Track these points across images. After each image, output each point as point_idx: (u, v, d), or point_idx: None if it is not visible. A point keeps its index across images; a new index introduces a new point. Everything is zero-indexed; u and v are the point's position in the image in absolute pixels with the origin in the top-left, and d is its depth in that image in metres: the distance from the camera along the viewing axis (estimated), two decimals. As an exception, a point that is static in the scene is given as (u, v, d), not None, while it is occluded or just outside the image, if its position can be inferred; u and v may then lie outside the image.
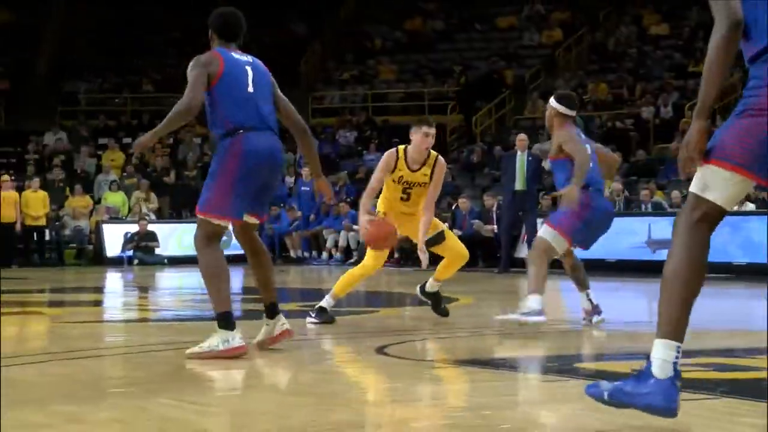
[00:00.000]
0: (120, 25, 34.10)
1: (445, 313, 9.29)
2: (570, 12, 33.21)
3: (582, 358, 7.03)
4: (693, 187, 4.11)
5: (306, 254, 24.14)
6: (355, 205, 24.57)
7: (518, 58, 32.13)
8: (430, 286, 9.39)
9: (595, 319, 8.51)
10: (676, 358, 4.03)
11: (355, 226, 23.13)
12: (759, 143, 3.97)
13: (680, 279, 4.04)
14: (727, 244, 16.60)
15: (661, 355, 4.04)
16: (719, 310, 11.41)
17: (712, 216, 4.08)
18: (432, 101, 30.91)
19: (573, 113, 8.63)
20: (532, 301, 8.00)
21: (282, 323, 6.85)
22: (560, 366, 6.64)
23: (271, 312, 6.85)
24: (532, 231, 17.23)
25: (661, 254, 16.96)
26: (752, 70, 4.09)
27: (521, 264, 14.99)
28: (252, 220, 6.75)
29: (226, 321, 6.43)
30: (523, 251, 17.93)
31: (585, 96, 28.10)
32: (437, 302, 9.36)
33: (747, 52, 4.09)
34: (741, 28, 4.03)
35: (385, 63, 33.63)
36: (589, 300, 8.58)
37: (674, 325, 4.04)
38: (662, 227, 17.96)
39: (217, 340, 6.40)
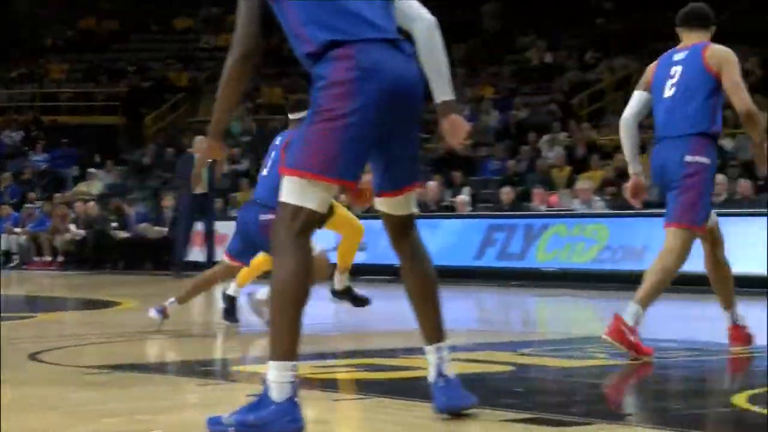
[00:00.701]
0: None
1: (366, 301, 8.89)
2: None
3: (243, 361, 7.02)
4: (287, 198, 4.06)
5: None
6: (18, 207, 23.66)
7: (194, 60, 31.92)
8: (340, 282, 8.84)
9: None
10: (293, 377, 3.95)
11: (16, 229, 22.26)
12: (331, 146, 3.98)
13: (290, 299, 3.95)
14: (389, 248, 17.06)
15: (277, 377, 3.94)
16: (384, 311, 11.70)
17: (312, 223, 4.06)
18: (104, 102, 30.26)
19: (294, 116, 8.33)
20: (169, 301, 8.37)
21: None
22: (218, 370, 6.60)
23: None
24: (210, 234, 17.18)
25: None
26: (317, 69, 4.07)
27: (199, 267, 14.94)
28: None
29: None
30: (200, 255, 17.78)
31: (259, 99, 28.24)
32: (354, 296, 8.85)
33: (304, 49, 4.10)
34: (252, 58, 4.17)
35: (56, 62, 32.67)
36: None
37: (288, 346, 3.94)
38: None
39: None
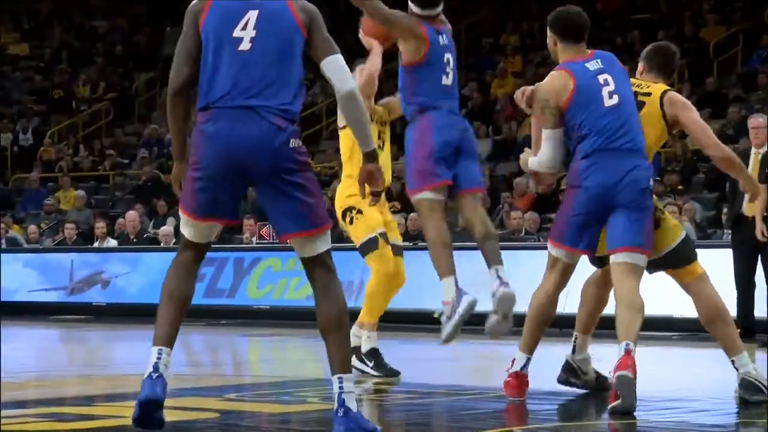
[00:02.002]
0: None
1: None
2: None
3: None
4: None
5: None
6: None
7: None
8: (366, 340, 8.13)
9: None
10: (157, 358, 5.18)
11: None
12: (188, 191, 5.24)
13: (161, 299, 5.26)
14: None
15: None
16: (82, 355, 11.46)
17: (187, 246, 5.29)
18: None
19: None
20: None
21: None
22: None
23: None
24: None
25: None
26: None
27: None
28: None
29: None
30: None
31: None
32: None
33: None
34: (180, 96, 5.18)
35: None
36: None
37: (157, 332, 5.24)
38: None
39: None
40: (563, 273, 6.76)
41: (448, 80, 7.10)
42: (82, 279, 17.47)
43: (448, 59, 7.12)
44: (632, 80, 6.93)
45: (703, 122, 6.91)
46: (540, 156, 6.80)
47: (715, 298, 6.77)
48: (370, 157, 5.27)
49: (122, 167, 24.15)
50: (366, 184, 5.33)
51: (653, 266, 6.80)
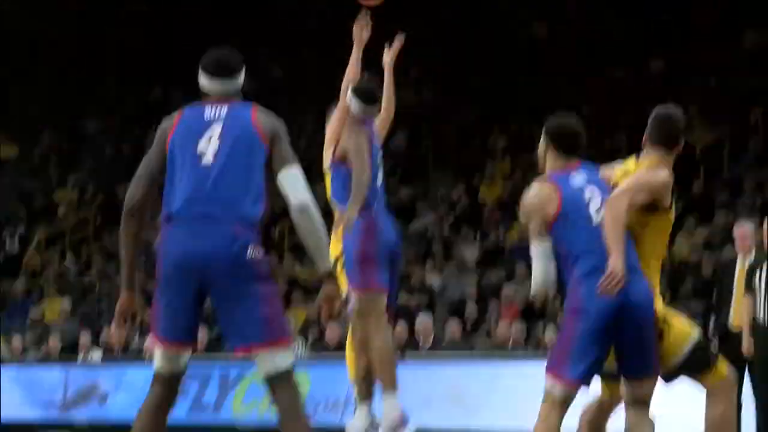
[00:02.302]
0: None
1: None
2: None
3: None
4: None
5: None
6: None
7: None
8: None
9: None
10: None
11: None
12: (155, 311, 5.21)
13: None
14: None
15: None
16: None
17: (154, 377, 5.27)
18: None
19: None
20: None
21: None
22: None
23: None
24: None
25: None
26: None
27: None
28: None
29: None
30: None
31: None
32: None
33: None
34: (133, 216, 5.22)
35: None
36: None
37: None
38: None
39: None
40: (564, 407, 6.34)
41: (379, 179, 7.25)
42: (77, 393, 17.26)
43: (379, 158, 7.31)
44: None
45: (632, 181, 6.40)
46: (534, 278, 6.53)
47: (728, 413, 6.52)
48: (329, 277, 5.29)
49: (109, 276, 24.03)
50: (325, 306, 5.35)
51: (669, 378, 6.57)
